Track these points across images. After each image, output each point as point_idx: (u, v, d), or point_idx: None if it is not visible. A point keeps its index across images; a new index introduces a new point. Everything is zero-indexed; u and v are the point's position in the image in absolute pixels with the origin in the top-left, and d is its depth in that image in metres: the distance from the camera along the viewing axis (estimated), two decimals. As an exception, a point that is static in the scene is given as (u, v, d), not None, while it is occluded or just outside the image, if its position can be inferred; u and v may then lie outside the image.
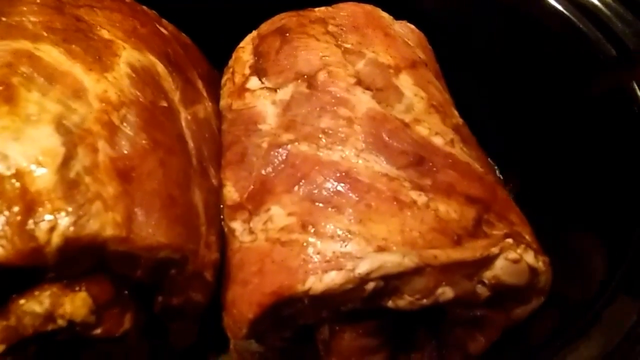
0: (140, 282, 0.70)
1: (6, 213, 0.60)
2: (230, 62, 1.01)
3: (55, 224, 0.60)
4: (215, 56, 1.08)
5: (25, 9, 0.80)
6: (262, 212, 0.74)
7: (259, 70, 0.92)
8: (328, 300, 0.68)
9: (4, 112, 0.66)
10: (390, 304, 0.68)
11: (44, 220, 0.60)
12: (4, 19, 0.78)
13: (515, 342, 0.75)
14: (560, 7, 0.89)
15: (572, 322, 0.66)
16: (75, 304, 0.64)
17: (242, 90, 0.91)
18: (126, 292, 0.69)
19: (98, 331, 0.66)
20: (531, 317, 0.74)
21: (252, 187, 0.78)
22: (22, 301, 0.63)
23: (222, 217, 0.81)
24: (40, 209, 0.60)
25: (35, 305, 0.62)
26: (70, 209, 0.61)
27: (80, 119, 0.69)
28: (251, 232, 0.75)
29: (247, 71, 0.93)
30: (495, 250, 0.67)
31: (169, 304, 0.74)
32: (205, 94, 0.95)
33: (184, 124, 0.83)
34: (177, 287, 0.73)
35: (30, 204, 0.60)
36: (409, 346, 0.75)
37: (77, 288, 0.65)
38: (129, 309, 0.69)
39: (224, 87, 0.99)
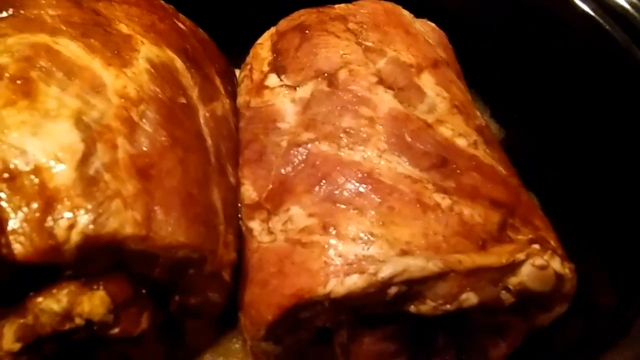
0: (158, 282, 0.69)
1: (25, 209, 0.59)
2: (248, 59, 1.00)
3: (75, 221, 0.59)
4: (228, 52, 1.07)
5: (44, 2, 0.79)
6: (282, 212, 0.73)
7: (277, 68, 0.90)
8: (349, 303, 0.67)
9: (23, 107, 0.65)
10: (412, 308, 0.67)
11: (63, 217, 0.59)
12: (22, 12, 0.77)
13: (538, 350, 0.74)
14: (588, 10, 0.87)
15: (600, 332, 0.64)
16: (93, 303, 0.63)
17: (260, 87, 0.90)
18: (144, 291, 0.69)
19: (115, 331, 0.66)
20: (556, 325, 0.72)
21: (271, 186, 0.77)
22: (39, 299, 0.62)
23: (239, 216, 0.80)
24: (59, 206, 0.59)
25: (53, 303, 0.62)
26: (89, 207, 0.60)
27: (99, 114, 0.68)
28: (270, 232, 0.73)
29: (266, 68, 0.92)
30: (521, 256, 0.66)
31: (186, 304, 0.74)
32: (222, 90, 0.94)
33: (202, 121, 0.82)
34: (195, 286, 0.72)
35: (49, 201, 0.60)
36: (429, 351, 0.74)
37: (95, 287, 0.64)
38: (146, 309, 0.68)
39: (241, 84, 0.98)
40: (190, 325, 0.78)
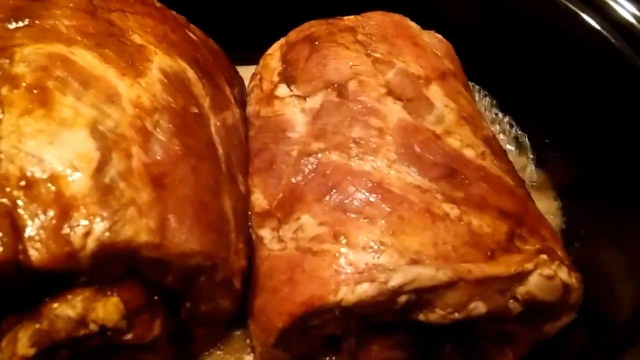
0: (170, 289, 0.70)
1: (42, 217, 0.60)
2: (257, 69, 1.01)
3: (91, 229, 0.60)
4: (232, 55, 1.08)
5: (58, 12, 0.80)
6: (292, 221, 0.74)
7: (287, 78, 0.92)
8: (359, 311, 0.67)
9: (39, 116, 0.66)
10: (421, 317, 0.68)
11: (79, 225, 0.60)
12: (37, 22, 0.78)
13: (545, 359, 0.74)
14: (594, 24, 0.88)
15: (606, 342, 0.65)
16: (108, 309, 0.64)
17: (270, 97, 0.91)
18: (156, 298, 0.69)
19: (129, 337, 0.66)
20: (562, 335, 0.73)
21: (281, 195, 0.78)
22: (55, 305, 0.63)
23: (249, 224, 0.81)
24: (76, 214, 0.60)
25: (68, 309, 0.62)
26: (105, 214, 0.61)
27: (114, 124, 0.69)
28: (280, 240, 0.74)
29: (276, 78, 0.93)
30: (529, 266, 0.67)
31: (196, 311, 0.75)
32: (232, 100, 0.95)
33: (213, 130, 0.83)
34: (206, 294, 0.73)
35: (65, 209, 0.60)
36: None
37: (109, 293, 0.65)
38: (158, 315, 0.69)
39: (250, 93, 0.99)
40: (199, 332, 0.79)
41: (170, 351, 0.77)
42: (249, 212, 0.82)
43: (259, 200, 0.81)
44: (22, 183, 0.61)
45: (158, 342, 0.70)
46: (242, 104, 1.00)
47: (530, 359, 0.75)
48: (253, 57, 1.06)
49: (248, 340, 0.81)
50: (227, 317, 0.79)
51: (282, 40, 1.01)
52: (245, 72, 1.08)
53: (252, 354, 0.80)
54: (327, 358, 0.77)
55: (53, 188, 0.61)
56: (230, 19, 1.14)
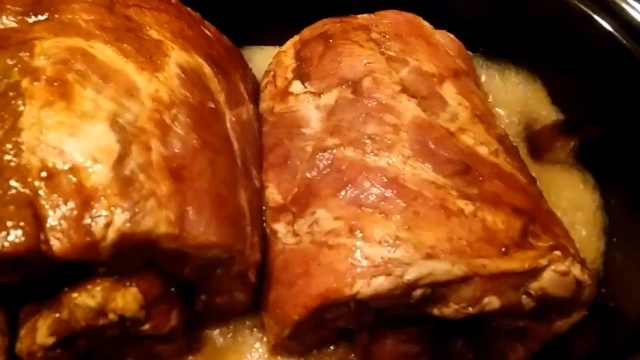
0: (186, 280, 0.71)
1: (63, 207, 0.60)
2: (271, 66, 1.02)
3: (112, 219, 0.61)
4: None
5: (77, 7, 0.81)
6: (307, 215, 0.75)
7: (301, 75, 0.92)
8: (374, 305, 0.68)
9: (60, 108, 0.67)
10: (435, 311, 0.69)
11: (100, 215, 0.61)
12: (57, 16, 0.79)
13: (555, 357, 0.75)
14: (610, 28, 0.89)
15: (617, 340, 0.65)
16: (127, 299, 0.65)
17: (284, 93, 0.92)
18: (173, 289, 0.70)
19: (146, 327, 0.67)
20: (573, 333, 0.74)
21: (296, 189, 0.79)
22: (75, 294, 0.64)
23: (263, 218, 0.82)
24: (97, 205, 0.61)
25: (88, 299, 0.63)
26: (126, 206, 0.62)
27: (133, 117, 0.70)
28: (295, 234, 0.75)
29: (290, 75, 0.94)
30: (543, 261, 0.68)
31: (211, 303, 0.76)
32: (246, 96, 0.96)
33: (229, 125, 0.84)
34: (222, 286, 0.74)
35: (86, 199, 0.61)
36: (449, 355, 0.75)
37: (127, 283, 0.66)
38: (175, 306, 0.70)
39: (264, 90, 1.00)
40: (213, 324, 0.80)
41: (184, 342, 0.78)
42: (263, 207, 0.83)
43: (274, 195, 0.81)
44: (44, 174, 0.61)
45: (174, 333, 0.71)
46: (255, 100, 1.01)
47: (541, 356, 0.76)
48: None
49: (260, 334, 0.82)
50: (241, 309, 0.80)
51: (296, 38, 1.01)
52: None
53: (264, 346, 0.80)
54: (340, 350, 0.78)
55: (74, 179, 0.62)
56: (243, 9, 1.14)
